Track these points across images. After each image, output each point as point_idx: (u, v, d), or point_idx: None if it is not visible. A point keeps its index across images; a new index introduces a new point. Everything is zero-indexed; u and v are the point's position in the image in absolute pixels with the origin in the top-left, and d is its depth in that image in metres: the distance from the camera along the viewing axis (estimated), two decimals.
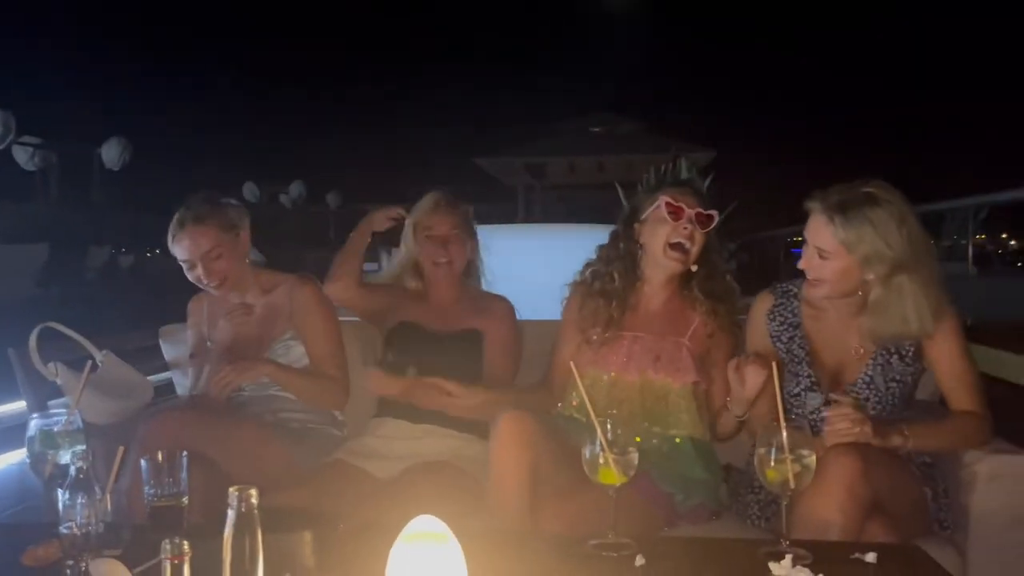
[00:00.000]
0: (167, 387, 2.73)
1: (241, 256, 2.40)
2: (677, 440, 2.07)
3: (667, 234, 2.07)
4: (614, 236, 2.22)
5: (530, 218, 14.29)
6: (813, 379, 2.02)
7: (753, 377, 1.84)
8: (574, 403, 2.12)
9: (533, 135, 14.87)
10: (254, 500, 0.92)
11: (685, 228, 2.05)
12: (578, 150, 13.64)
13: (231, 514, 0.92)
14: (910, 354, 1.98)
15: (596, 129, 14.27)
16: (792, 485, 1.49)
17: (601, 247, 2.25)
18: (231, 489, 0.93)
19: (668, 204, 2.06)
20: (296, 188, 19.31)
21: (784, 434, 1.48)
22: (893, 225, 1.85)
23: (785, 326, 2.08)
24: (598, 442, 1.51)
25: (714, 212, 2.09)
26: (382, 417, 2.32)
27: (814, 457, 1.50)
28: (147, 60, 29.82)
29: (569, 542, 1.58)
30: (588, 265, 2.25)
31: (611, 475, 1.51)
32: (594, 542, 1.52)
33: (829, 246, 1.88)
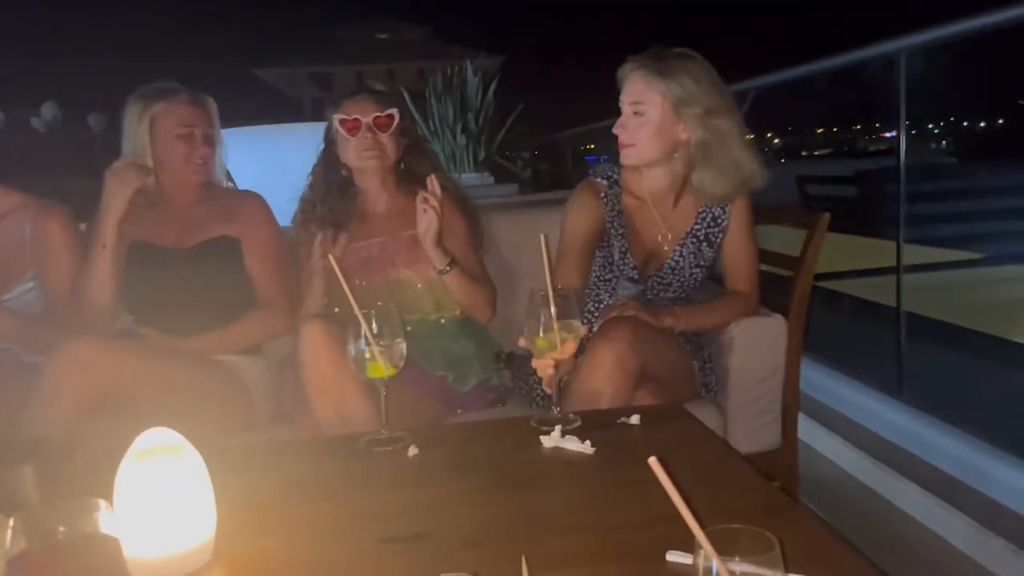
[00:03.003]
0: None
1: None
2: (442, 321, 2.09)
3: (354, 149, 2.12)
4: (315, 166, 2.24)
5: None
6: (628, 268, 2.04)
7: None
8: (336, 309, 2.05)
9: (316, 43, 14.07)
10: None
11: (367, 137, 2.10)
12: (366, 58, 13.08)
13: None
14: (718, 241, 2.06)
15: (383, 36, 13.74)
16: (559, 352, 1.49)
17: (307, 180, 2.23)
18: None
19: (341, 121, 2.11)
20: (49, 110, 17.04)
21: (552, 306, 1.47)
22: (703, 73, 1.93)
23: (614, 213, 2.07)
24: (363, 336, 1.43)
25: (392, 111, 2.13)
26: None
27: (580, 325, 1.50)
28: None
29: (342, 442, 1.51)
30: (301, 200, 2.23)
31: (379, 369, 1.44)
32: (367, 439, 1.46)
33: (643, 96, 1.93)
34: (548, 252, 1.53)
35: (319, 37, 14.40)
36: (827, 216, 2.05)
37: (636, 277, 2.04)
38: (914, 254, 2.94)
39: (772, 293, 2.12)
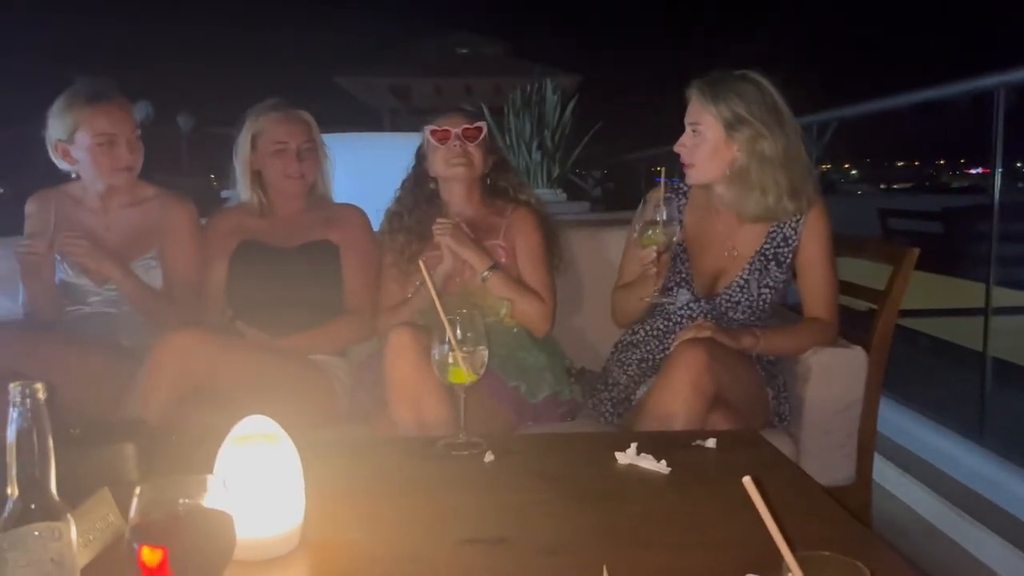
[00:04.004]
0: None
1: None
2: (514, 329, 2.14)
3: (443, 157, 2.22)
4: (404, 181, 2.35)
5: None
6: (685, 275, 2.07)
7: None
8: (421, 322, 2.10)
9: (395, 54, 14.36)
10: (41, 395, 0.80)
11: (455, 145, 2.20)
12: (444, 72, 13.30)
13: (14, 413, 0.80)
14: (787, 261, 2.04)
15: (462, 51, 13.94)
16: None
17: (396, 194, 2.35)
18: (12, 385, 0.81)
19: (432, 132, 2.22)
20: (143, 108, 17.78)
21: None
22: (757, 93, 1.96)
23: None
24: (447, 341, 1.47)
25: (481, 124, 2.23)
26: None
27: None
28: None
29: (420, 444, 1.55)
30: (388, 211, 2.34)
31: (460, 374, 1.47)
32: (444, 442, 1.49)
33: (699, 116, 1.99)
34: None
35: (399, 50, 14.69)
36: (916, 251, 2.01)
37: (686, 286, 2.06)
38: (1003, 297, 2.83)
39: (850, 326, 2.08)
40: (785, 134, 1.96)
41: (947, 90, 2.88)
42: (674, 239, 1.90)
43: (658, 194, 1.94)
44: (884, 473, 2.71)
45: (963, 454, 2.63)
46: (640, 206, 1.93)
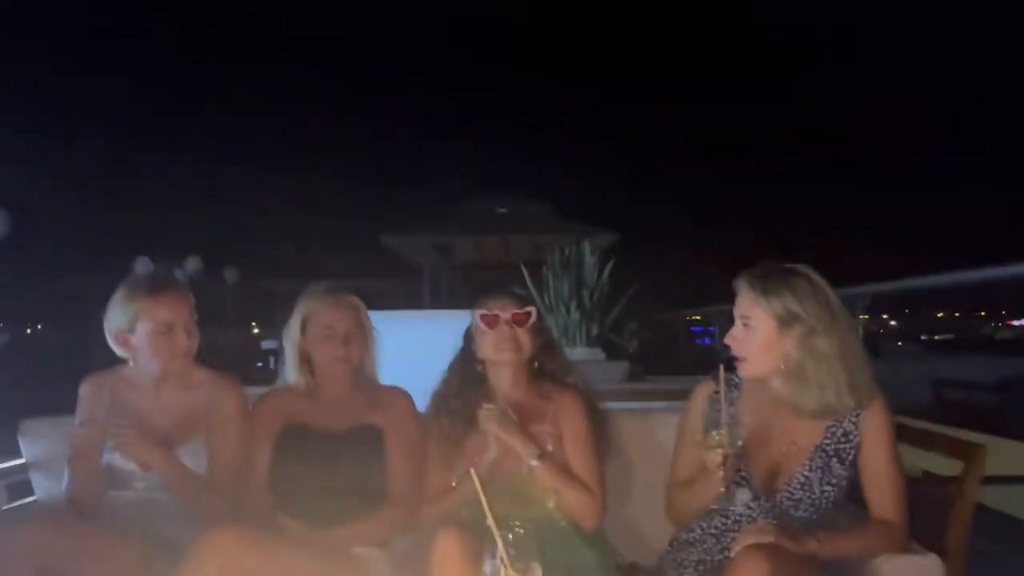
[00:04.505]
0: (20, 488, 2.45)
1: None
2: (562, 523, 2.05)
3: (492, 342, 2.22)
4: (452, 363, 2.34)
5: (436, 297, 14.18)
6: (744, 473, 1.98)
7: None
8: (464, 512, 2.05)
9: (439, 214, 14.91)
10: None
11: (504, 330, 2.20)
12: (484, 230, 13.72)
13: None
14: (850, 458, 1.97)
15: (503, 210, 14.44)
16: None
17: (443, 375, 2.33)
18: None
19: (482, 316, 2.22)
20: (193, 263, 18.50)
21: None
22: (809, 289, 1.95)
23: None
24: (498, 556, 1.41)
25: (531, 309, 2.24)
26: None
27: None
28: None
29: None
30: (434, 393, 2.32)
31: None
32: None
33: (750, 311, 1.97)
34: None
35: (442, 209, 15.30)
36: (985, 448, 1.92)
37: (745, 484, 1.97)
38: None
39: (918, 519, 1.96)
40: (839, 329, 1.94)
41: (1007, 271, 2.84)
42: (739, 442, 1.84)
43: (711, 388, 1.90)
44: None
45: None
46: (704, 403, 1.93)
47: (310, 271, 2.55)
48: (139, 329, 2.21)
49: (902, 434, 2.00)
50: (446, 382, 2.31)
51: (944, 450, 2.04)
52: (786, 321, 1.94)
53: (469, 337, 2.32)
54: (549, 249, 5.85)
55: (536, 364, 2.30)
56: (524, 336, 2.23)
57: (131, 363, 2.29)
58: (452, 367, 2.33)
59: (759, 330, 1.96)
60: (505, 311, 2.22)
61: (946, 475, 2.04)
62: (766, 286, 1.97)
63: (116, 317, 2.23)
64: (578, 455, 2.16)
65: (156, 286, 2.23)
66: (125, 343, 2.24)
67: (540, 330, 2.30)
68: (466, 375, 2.29)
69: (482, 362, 2.28)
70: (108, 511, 2.15)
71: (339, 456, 2.18)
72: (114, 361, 2.33)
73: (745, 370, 2.01)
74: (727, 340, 2.03)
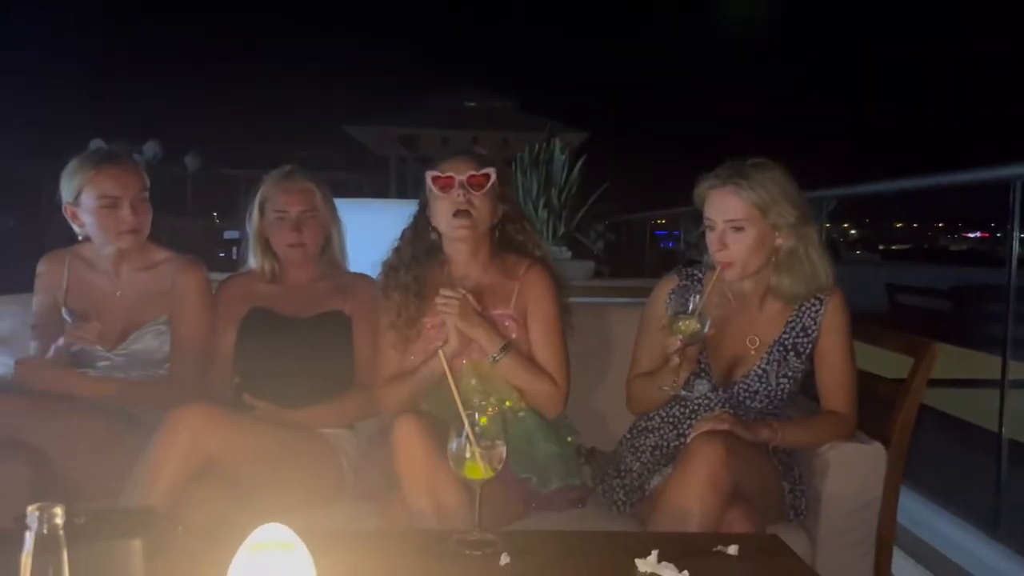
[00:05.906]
0: None
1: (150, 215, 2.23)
2: (520, 413, 2.00)
3: (446, 207, 2.02)
4: (404, 230, 2.16)
5: (403, 190, 14.00)
6: (703, 365, 2.02)
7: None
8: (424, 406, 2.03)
9: (405, 105, 14.56)
10: (59, 520, 0.77)
11: (459, 194, 2.00)
12: (452, 124, 13.46)
13: (29, 538, 0.77)
14: (806, 352, 2.02)
15: (470, 104, 14.15)
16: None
17: (394, 244, 2.16)
18: (30, 508, 0.78)
19: (434, 179, 2.03)
20: (151, 147, 17.88)
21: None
22: (787, 180, 1.95)
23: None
24: (464, 435, 1.44)
25: (489, 171, 2.03)
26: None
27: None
28: None
29: (433, 539, 1.50)
30: (384, 265, 2.16)
31: (477, 470, 1.44)
32: (457, 538, 1.45)
33: (742, 213, 1.92)
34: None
35: (408, 101, 14.93)
36: (937, 347, 1.99)
37: (705, 376, 2.01)
38: (1018, 371, 2.76)
39: (866, 416, 2.05)
40: (813, 214, 1.99)
41: (960, 177, 2.88)
42: (707, 328, 1.84)
43: (674, 282, 1.91)
44: (899, 566, 2.64)
45: (978, 548, 2.56)
46: (667, 297, 1.95)
47: (275, 161, 2.45)
48: (84, 201, 2.15)
49: (857, 331, 2.05)
50: (397, 251, 2.14)
51: (895, 347, 2.10)
52: (778, 212, 1.92)
53: (423, 203, 2.12)
54: (518, 145, 5.77)
55: (498, 235, 2.14)
56: (482, 202, 2.02)
57: (81, 239, 2.24)
58: (404, 236, 2.15)
59: (750, 229, 1.93)
60: (461, 172, 2.01)
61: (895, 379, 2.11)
62: (751, 183, 1.92)
63: (65, 188, 2.17)
64: (545, 341, 2.05)
65: (102, 158, 2.15)
66: (74, 216, 2.19)
67: (503, 197, 2.11)
68: (418, 244, 2.12)
69: (436, 230, 2.10)
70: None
71: (305, 341, 2.17)
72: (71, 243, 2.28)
73: (736, 272, 1.97)
74: (715, 254, 1.96)
